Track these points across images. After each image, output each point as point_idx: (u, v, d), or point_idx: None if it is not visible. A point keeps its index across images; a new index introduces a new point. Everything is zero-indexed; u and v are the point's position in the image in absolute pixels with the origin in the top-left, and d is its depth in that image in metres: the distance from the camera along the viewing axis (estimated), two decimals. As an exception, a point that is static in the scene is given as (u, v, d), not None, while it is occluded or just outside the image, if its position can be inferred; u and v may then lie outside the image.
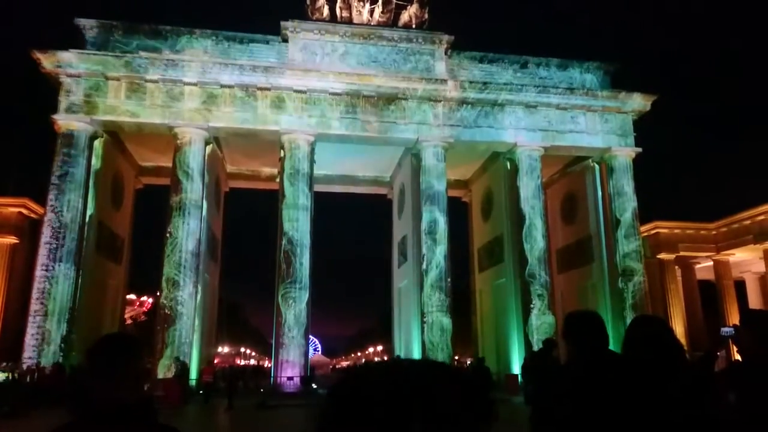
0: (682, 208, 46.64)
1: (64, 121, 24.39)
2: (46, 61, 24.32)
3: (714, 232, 37.74)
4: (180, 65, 25.22)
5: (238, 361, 72.64)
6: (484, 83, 27.45)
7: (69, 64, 24.42)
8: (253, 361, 74.98)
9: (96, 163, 25.66)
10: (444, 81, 27.07)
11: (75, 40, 25.46)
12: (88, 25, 25.70)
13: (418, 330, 26.13)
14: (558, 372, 2.91)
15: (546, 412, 2.67)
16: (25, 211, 31.16)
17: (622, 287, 27.04)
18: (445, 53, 28.04)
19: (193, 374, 25.24)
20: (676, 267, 38.79)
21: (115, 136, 27.07)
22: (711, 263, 38.53)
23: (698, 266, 39.29)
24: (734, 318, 36.12)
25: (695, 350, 27.53)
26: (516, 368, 26.50)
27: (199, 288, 25.27)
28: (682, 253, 37.85)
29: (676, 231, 37.97)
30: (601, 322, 2.94)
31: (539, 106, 27.94)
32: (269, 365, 38.89)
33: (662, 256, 37.95)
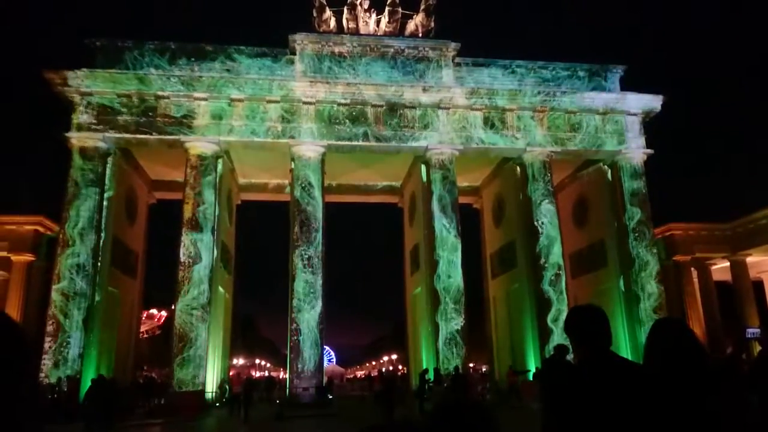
0: (697, 209, 46.07)
1: (76, 138, 24.76)
2: (58, 80, 24.71)
3: (729, 233, 37.22)
4: (190, 81, 25.51)
5: (253, 373, 72.66)
6: (492, 89, 27.42)
7: (80, 83, 24.78)
8: (267, 373, 74.93)
9: (109, 179, 25.99)
10: (451, 88, 27.13)
11: (86, 59, 25.89)
12: (99, 44, 26.12)
13: (431, 338, 26.01)
14: (570, 373, 2.90)
15: (557, 412, 2.68)
16: (41, 229, 31.56)
17: (637, 291, 26.75)
18: (452, 61, 28.10)
19: (209, 387, 25.33)
20: (692, 269, 38.31)
21: (127, 152, 27.44)
22: (727, 264, 38.00)
23: (714, 267, 38.75)
24: (753, 319, 35.61)
25: (714, 353, 27.15)
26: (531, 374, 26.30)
27: (213, 301, 25.38)
28: (697, 255, 37.38)
29: (691, 232, 37.51)
30: (605, 319, 2.92)
31: (547, 110, 27.87)
32: (284, 376, 38.84)
33: (677, 258, 37.52)
